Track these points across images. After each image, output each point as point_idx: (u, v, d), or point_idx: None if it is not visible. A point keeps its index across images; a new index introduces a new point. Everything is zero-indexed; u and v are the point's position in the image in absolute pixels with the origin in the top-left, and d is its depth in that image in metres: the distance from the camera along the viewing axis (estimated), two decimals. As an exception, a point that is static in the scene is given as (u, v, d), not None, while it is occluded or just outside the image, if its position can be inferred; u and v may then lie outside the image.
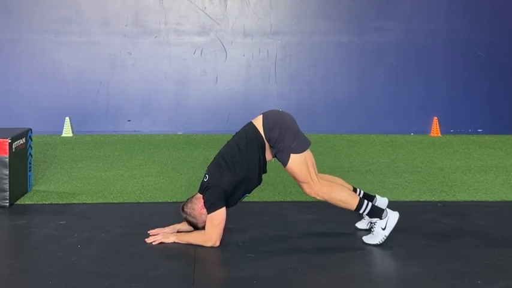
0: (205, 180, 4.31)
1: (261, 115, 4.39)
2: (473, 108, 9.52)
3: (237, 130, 4.51)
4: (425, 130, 9.45)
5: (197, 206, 4.30)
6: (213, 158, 4.43)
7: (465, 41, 9.47)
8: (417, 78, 9.50)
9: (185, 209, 4.35)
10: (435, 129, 9.37)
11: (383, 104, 9.48)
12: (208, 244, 4.22)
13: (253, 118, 4.42)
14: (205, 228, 4.26)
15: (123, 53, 9.27)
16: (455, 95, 9.54)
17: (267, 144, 4.30)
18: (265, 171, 4.42)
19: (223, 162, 4.29)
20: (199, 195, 4.34)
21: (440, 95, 9.53)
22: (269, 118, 4.33)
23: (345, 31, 9.43)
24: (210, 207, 4.21)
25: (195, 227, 4.36)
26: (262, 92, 9.39)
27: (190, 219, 4.34)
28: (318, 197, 4.33)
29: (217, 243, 4.23)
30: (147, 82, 9.32)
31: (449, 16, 9.46)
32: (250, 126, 4.36)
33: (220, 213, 4.20)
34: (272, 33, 9.39)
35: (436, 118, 9.40)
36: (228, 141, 4.44)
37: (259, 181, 4.40)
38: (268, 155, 4.36)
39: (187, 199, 4.41)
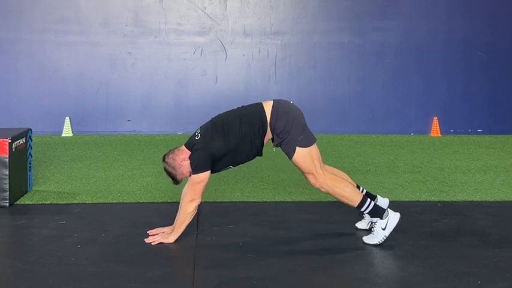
0: (196, 138, 4.28)
1: (272, 101, 4.38)
2: (473, 108, 9.53)
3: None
4: (425, 130, 9.45)
5: (178, 157, 4.30)
6: (210, 119, 4.41)
7: (465, 41, 9.47)
8: (417, 78, 9.50)
9: (166, 159, 4.34)
10: (435, 129, 9.37)
11: (383, 104, 9.49)
12: (193, 205, 4.24)
13: (264, 101, 4.41)
14: (187, 189, 4.26)
15: (123, 53, 9.27)
16: (455, 95, 9.54)
17: (268, 129, 4.29)
18: (260, 154, 4.40)
19: (219, 127, 4.27)
20: (184, 148, 4.33)
21: (440, 95, 9.53)
22: (279, 106, 4.32)
23: (345, 31, 9.43)
24: (196, 169, 4.21)
25: (173, 178, 4.35)
26: (262, 92, 9.38)
27: (169, 169, 4.33)
28: (322, 189, 4.33)
29: (199, 200, 4.26)
30: (147, 82, 9.32)
31: (449, 16, 9.47)
32: (259, 107, 4.34)
33: (204, 175, 4.22)
34: (272, 33, 9.38)
35: (436, 118, 9.40)
36: (231, 109, 4.43)
37: (249, 158, 4.38)
38: (266, 140, 4.34)
39: (170, 150, 4.40)
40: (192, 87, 9.37)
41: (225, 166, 4.37)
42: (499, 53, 9.52)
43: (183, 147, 4.35)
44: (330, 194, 4.35)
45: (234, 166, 4.43)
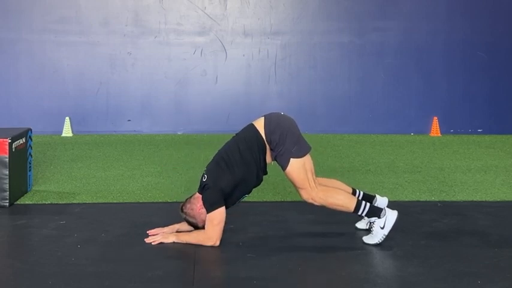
0: (203, 179, 4.31)
1: (263, 117, 4.39)
2: (473, 108, 9.53)
3: (237, 130, 4.52)
4: (425, 130, 9.45)
5: (196, 206, 4.31)
6: (212, 158, 4.44)
7: (465, 41, 9.48)
8: (417, 78, 9.51)
9: (184, 209, 4.35)
10: (435, 129, 9.37)
11: (383, 104, 9.48)
12: (209, 243, 4.23)
13: (255, 120, 4.42)
14: (205, 227, 4.26)
15: (123, 53, 9.27)
16: (455, 95, 9.54)
17: (267, 146, 4.31)
18: (265, 173, 4.42)
19: (222, 162, 4.29)
20: (198, 195, 4.34)
21: (440, 95, 9.53)
22: (271, 121, 4.33)
23: (345, 31, 9.43)
24: (209, 207, 4.22)
25: (195, 226, 4.37)
26: (262, 92, 9.39)
27: (190, 219, 4.35)
28: (316, 203, 4.33)
29: (217, 243, 4.23)
30: (147, 82, 9.32)
31: (449, 16, 9.47)
32: (251, 127, 4.36)
33: (220, 213, 4.21)
34: (272, 33, 9.38)
35: (436, 118, 9.40)
36: (227, 142, 4.44)
37: (258, 182, 4.41)
38: (268, 158, 4.36)
39: (186, 199, 4.42)
40: (192, 87, 9.37)
41: (240, 197, 4.37)
42: (499, 53, 9.52)
43: (197, 194, 4.36)
44: (325, 206, 4.35)
45: (248, 194, 4.44)
